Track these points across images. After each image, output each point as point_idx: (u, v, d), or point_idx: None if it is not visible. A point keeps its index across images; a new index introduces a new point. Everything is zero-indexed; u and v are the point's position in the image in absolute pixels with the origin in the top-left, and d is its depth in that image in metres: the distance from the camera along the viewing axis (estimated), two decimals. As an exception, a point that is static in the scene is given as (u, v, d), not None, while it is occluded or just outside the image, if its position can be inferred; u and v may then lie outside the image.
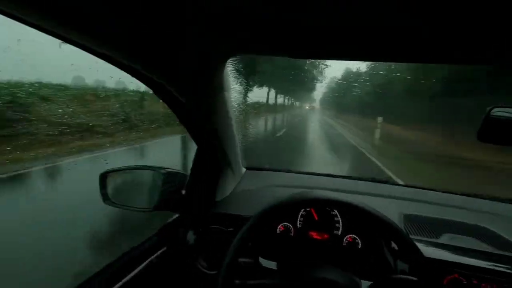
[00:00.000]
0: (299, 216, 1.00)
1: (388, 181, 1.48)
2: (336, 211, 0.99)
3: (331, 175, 1.47)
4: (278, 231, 1.00)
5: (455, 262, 0.81)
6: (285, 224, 1.00)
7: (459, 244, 0.90)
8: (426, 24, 0.47)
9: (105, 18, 0.41)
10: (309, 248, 0.98)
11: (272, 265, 0.89)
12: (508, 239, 0.94)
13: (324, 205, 0.92)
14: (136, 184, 1.08)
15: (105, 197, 0.95)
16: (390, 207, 1.14)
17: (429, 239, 0.93)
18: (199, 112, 0.77)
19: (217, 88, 0.74)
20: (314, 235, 0.99)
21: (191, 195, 1.02)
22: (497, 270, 0.78)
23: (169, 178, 1.01)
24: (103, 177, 0.95)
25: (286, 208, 0.67)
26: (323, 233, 0.99)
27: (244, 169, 1.38)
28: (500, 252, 0.87)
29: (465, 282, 0.77)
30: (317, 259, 0.73)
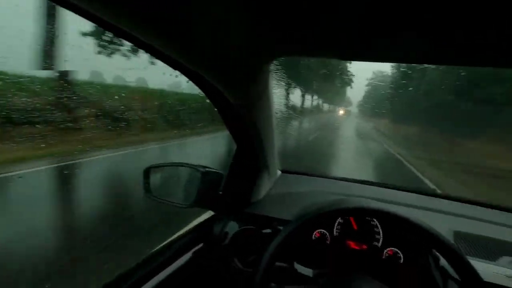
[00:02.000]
0: (336, 223, 0.96)
1: (432, 193, 1.37)
2: (376, 221, 0.94)
3: (368, 182, 1.40)
4: (313, 237, 0.97)
5: None
6: (321, 231, 0.96)
7: None
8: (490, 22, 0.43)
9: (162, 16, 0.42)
10: (346, 257, 0.94)
11: (307, 271, 0.86)
12: None
13: (367, 215, 0.87)
14: (176, 180, 1.12)
15: (147, 190, 1.00)
16: (438, 222, 1.04)
17: (485, 262, 0.84)
18: (243, 112, 0.77)
19: (263, 89, 0.74)
20: (352, 244, 0.94)
21: (227, 194, 1.03)
22: None
23: (207, 176, 1.03)
24: (147, 172, 1.00)
25: (327, 215, 0.65)
26: (362, 243, 0.94)
27: (279, 172, 1.37)
28: None
29: None
30: (355, 270, 0.69)
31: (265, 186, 1.18)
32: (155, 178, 1.03)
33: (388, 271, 0.89)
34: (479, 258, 0.85)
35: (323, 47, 0.59)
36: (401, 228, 0.78)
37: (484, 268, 0.78)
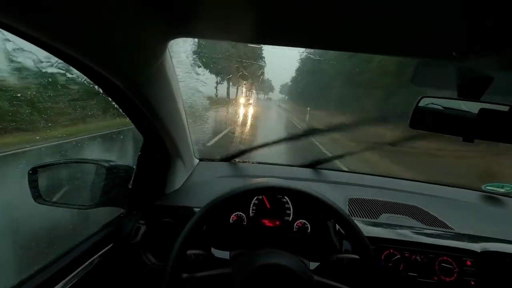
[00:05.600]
0: (251, 204, 1.01)
1: (334, 168, 1.57)
2: (287, 198, 1.03)
3: (283, 164, 1.52)
4: (231, 220, 1.00)
5: (391, 239, 0.89)
6: (238, 214, 1.00)
7: (394, 222, 1.00)
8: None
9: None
10: (261, 235, 1.00)
11: (224, 254, 0.89)
12: (433, 215, 1.07)
13: (272, 193, 0.94)
14: (75, 179, 0.98)
15: (36, 195, 0.85)
16: (337, 192, 1.21)
17: (370, 220, 1.02)
18: (141, 100, 0.71)
19: (159, 74, 0.69)
20: (266, 222, 1.01)
21: (138, 188, 0.96)
22: (423, 243, 0.89)
23: (113, 171, 0.94)
24: (33, 173, 0.85)
25: (233, 199, 0.67)
26: (275, 220, 1.02)
27: (197, 160, 1.35)
28: (427, 227, 0.99)
29: (398, 256, 0.86)
30: (269, 245, 0.74)
31: (181, 176, 1.15)
32: (46, 180, 0.88)
33: (298, 241, 1.00)
34: (366, 218, 1.02)
35: (217, 28, 0.57)
36: (305, 202, 0.87)
37: (368, 225, 0.95)
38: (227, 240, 0.97)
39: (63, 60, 0.53)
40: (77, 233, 0.95)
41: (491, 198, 1.32)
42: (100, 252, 0.82)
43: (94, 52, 0.51)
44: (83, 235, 0.87)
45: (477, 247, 0.88)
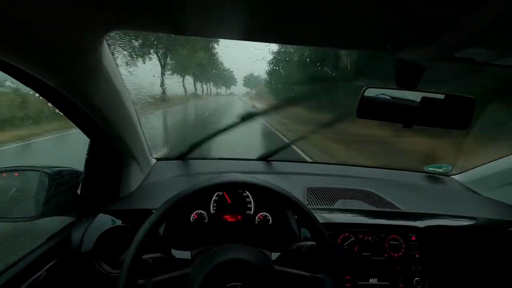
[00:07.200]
0: (212, 201, 1.00)
1: (295, 160, 1.62)
2: (247, 193, 1.03)
3: (242, 158, 1.52)
4: (192, 219, 0.98)
5: (345, 223, 0.95)
6: (198, 212, 0.99)
7: (349, 207, 1.07)
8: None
9: None
10: (223, 231, 1.00)
11: (186, 255, 0.87)
12: (383, 197, 1.16)
13: (226, 188, 0.94)
14: (12, 189, 0.89)
15: None
16: (295, 182, 1.25)
17: (327, 206, 1.07)
18: (79, 99, 0.66)
19: (97, 70, 0.63)
20: (228, 218, 1.01)
21: (88, 194, 0.90)
22: (374, 224, 0.96)
23: (57, 177, 0.86)
24: None
25: (189, 198, 0.65)
26: (237, 214, 1.02)
27: (154, 160, 1.29)
28: (378, 208, 1.07)
29: (353, 238, 0.92)
30: (232, 240, 0.74)
31: (137, 177, 1.09)
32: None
33: (261, 234, 1.01)
34: (323, 205, 1.07)
35: (158, 20, 0.53)
36: (262, 194, 0.88)
37: (325, 212, 1.00)
38: (188, 240, 0.95)
39: None
40: (19, 248, 0.86)
41: (432, 178, 1.46)
42: (46, 267, 0.75)
43: (14, 47, 0.45)
44: (26, 250, 0.79)
45: (420, 223, 0.97)
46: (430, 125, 0.78)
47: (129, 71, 0.87)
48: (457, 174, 1.48)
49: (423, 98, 0.74)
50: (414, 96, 0.78)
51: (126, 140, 0.90)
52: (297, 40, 0.64)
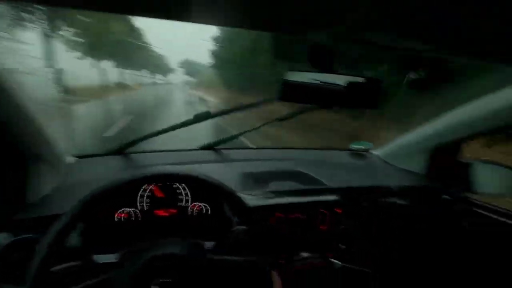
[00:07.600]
0: (139, 197, 0.94)
1: (235, 147, 1.61)
2: (177, 184, 0.99)
3: (180, 149, 1.45)
4: (116, 219, 0.90)
5: (277, 204, 0.99)
6: (124, 210, 0.91)
7: (282, 188, 1.11)
8: None
9: None
10: (156, 227, 0.95)
11: (110, 258, 0.79)
12: (313, 176, 1.23)
13: (147, 182, 0.89)
14: None
15: None
16: (231, 170, 1.25)
17: (261, 190, 1.09)
18: None
19: None
20: (161, 212, 0.96)
21: None
22: (304, 202, 1.02)
23: None
24: None
25: (103, 195, 0.59)
26: (170, 208, 0.97)
27: (72, 159, 1.15)
28: (308, 187, 1.13)
29: (283, 217, 0.96)
30: (165, 235, 0.70)
31: (49, 180, 0.96)
32: None
33: (197, 225, 0.99)
34: (256, 190, 1.09)
35: None
36: (191, 184, 0.85)
37: (258, 196, 1.02)
38: (115, 242, 0.87)
39: None
40: None
41: (357, 155, 1.61)
42: None
43: None
44: None
45: (344, 197, 1.07)
46: (345, 106, 0.84)
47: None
48: (377, 149, 1.65)
49: (339, 80, 0.79)
50: (335, 79, 0.83)
51: (27, 137, 0.77)
52: (210, 20, 0.61)
